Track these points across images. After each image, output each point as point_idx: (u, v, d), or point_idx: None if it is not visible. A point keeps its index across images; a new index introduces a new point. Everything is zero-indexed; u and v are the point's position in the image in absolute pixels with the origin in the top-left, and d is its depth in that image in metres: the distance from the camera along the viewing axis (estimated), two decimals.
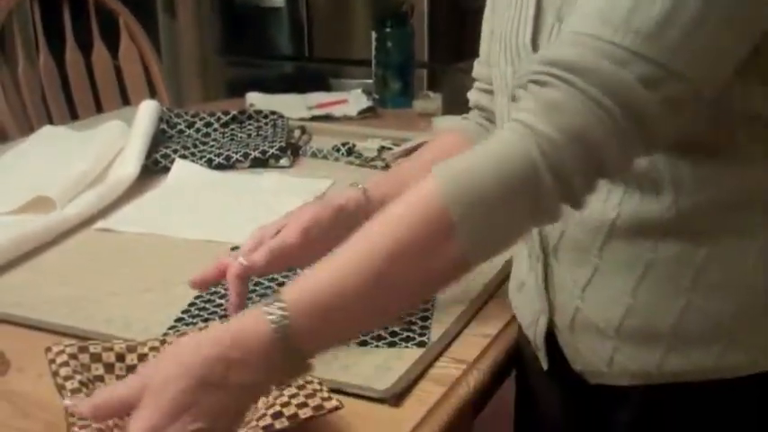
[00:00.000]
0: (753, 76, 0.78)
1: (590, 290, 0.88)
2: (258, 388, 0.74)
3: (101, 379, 0.87)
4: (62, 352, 0.87)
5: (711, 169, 0.82)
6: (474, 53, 1.14)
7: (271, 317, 0.70)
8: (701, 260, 0.83)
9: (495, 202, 0.71)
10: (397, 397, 0.88)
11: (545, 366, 0.97)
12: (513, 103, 0.79)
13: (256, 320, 0.70)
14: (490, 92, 1.06)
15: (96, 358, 0.88)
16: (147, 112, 1.67)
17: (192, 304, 1.07)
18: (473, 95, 1.15)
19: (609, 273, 0.87)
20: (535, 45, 0.89)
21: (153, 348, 0.90)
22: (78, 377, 0.84)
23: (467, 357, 0.96)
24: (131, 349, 0.90)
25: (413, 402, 0.88)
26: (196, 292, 1.09)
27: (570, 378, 0.94)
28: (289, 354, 0.70)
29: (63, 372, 0.85)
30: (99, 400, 0.73)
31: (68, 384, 0.83)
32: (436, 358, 0.96)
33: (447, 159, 0.74)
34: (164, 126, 1.73)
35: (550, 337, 0.95)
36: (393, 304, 0.76)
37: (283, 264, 1.01)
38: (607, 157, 0.71)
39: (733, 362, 0.84)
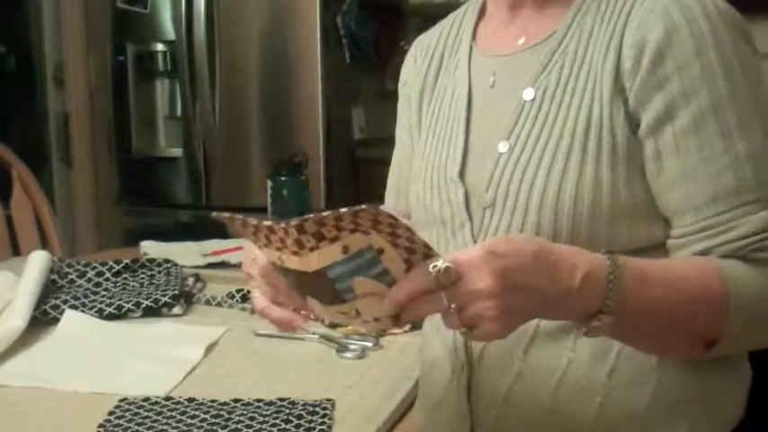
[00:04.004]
0: None
1: (514, 394, 0.93)
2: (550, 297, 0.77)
3: None
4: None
5: None
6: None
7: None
8: (613, 357, 0.90)
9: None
10: None
11: None
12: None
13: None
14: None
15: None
16: (36, 262, 1.65)
17: None
18: None
19: (532, 375, 0.92)
20: (463, 178, 0.94)
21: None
22: None
23: None
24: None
25: None
26: None
27: None
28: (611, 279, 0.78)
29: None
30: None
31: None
32: None
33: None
34: (54, 276, 1.71)
35: None
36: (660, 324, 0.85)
37: None
38: None
39: None
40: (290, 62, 3.13)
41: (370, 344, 1.40)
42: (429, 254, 0.75)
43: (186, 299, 1.66)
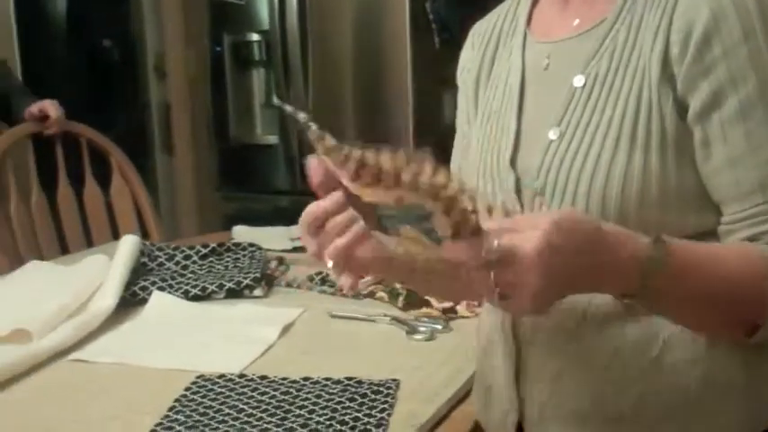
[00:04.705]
0: None
1: (561, 379, 0.93)
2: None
3: None
4: None
5: None
6: None
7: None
8: (660, 344, 0.90)
9: None
10: None
11: None
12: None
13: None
14: None
15: None
16: (126, 246, 1.73)
17: None
18: None
19: (580, 360, 0.92)
20: (514, 165, 0.95)
21: None
22: None
23: None
24: None
25: None
26: (157, 420, 1.12)
27: None
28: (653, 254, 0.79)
29: None
30: None
31: None
32: None
33: None
34: (145, 259, 1.79)
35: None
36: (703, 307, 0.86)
37: None
38: None
39: None
40: (381, 49, 3.16)
41: (439, 326, 1.42)
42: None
43: (267, 281, 1.72)
